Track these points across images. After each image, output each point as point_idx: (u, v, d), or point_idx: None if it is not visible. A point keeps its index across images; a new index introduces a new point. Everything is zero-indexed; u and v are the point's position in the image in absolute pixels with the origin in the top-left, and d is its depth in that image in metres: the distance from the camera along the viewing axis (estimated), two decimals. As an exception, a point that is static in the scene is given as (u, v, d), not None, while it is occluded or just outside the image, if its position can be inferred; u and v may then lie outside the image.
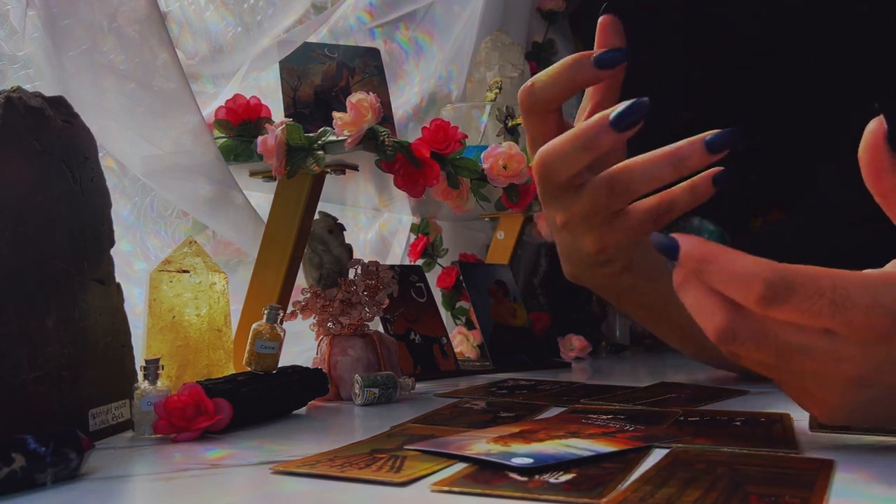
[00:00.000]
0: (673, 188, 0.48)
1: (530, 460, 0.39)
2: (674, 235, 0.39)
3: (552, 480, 0.36)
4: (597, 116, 0.46)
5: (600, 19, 0.52)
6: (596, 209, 0.49)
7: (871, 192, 0.41)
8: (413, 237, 1.14)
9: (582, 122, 0.47)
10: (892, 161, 0.39)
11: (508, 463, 0.39)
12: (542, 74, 0.50)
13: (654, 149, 0.48)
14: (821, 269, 0.37)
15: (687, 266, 0.38)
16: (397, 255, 1.15)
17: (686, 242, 0.38)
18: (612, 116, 0.45)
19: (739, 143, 0.43)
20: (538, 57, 1.38)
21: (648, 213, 0.50)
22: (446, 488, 0.36)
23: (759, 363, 0.39)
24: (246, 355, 0.60)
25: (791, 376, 0.39)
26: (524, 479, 0.36)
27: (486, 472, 0.38)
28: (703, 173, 0.48)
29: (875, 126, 0.40)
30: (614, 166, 0.47)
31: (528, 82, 0.50)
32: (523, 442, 0.43)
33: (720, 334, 0.37)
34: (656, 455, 0.42)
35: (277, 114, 0.77)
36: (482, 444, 0.43)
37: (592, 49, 0.50)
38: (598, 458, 0.40)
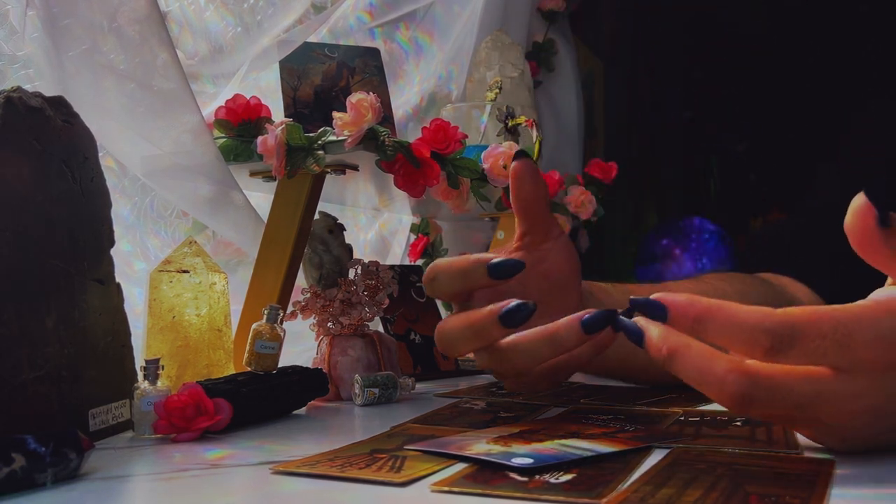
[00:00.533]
0: (533, 340, 0.48)
1: (530, 460, 0.39)
2: (659, 297, 0.39)
3: (552, 480, 0.36)
4: (487, 309, 0.48)
5: (512, 165, 0.54)
6: (493, 370, 0.51)
7: (867, 262, 0.41)
8: (413, 237, 1.14)
9: (475, 312, 0.49)
10: (883, 235, 0.39)
11: (508, 463, 0.39)
12: (444, 269, 0.52)
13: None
14: (820, 309, 0.37)
15: (682, 325, 0.38)
16: (397, 255, 1.15)
17: (676, 302, 0.38)
18: (501, 312, 0.47)
19: (612, 325, 0.45)
20: (538, 57, 1.39)
21: (548, 372, 0.51)
22: (446, 488, 0.36)
23: (773, 416, 0.40)
24: (246, 355, 0.60)
25: (807, 421, 0.39)
26: (524, 479, 0.36)
27: (486, 473, 0.38)
28: (566, 318, 0.47)
29: (862, 206, 0.39)
30: (499, 342, 0.49)
31: (432, 269, 0.53)
32: (523, 442, 0.43)
33: (737, 401, 0.37)
34: (656, 455, 0.42)
35: (277, 114, 0.77)
36: (482, 445, 0.43)
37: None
38: (599, 459, 0.40)
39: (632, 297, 0.41)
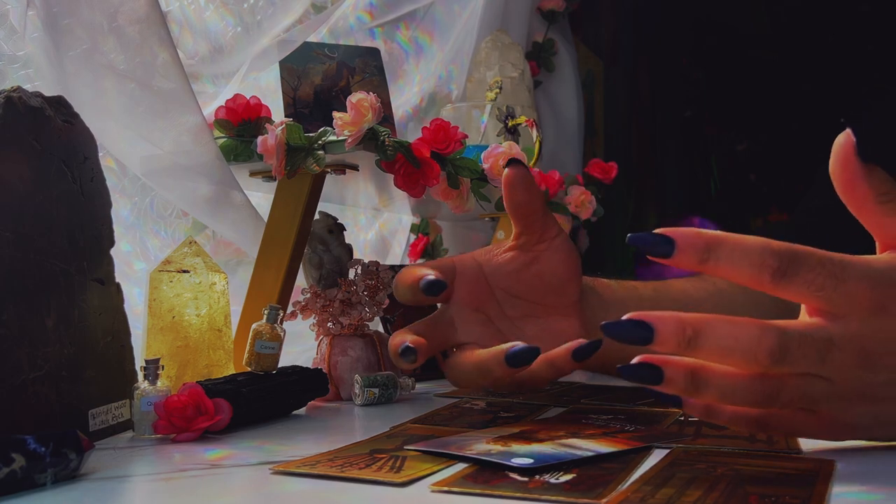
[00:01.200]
0: (535, 363, 0.50)
1: (530, 460, 0.39)
2: (661, 231, 0.38)
3: (552, 481, 0.36)
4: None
5: (504, 172, 0.56)
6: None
7: (846, 205, 0.41)
8: (413, 237, 1.14)
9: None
10: (863, 171, 0.40)
11: (508, 463, 0.38)
12: (400, 282, 0.55)
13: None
14: (812, 248, 0.38)
15: (692, 255, 0.37)
16: (397, 255, 1.15)
17: (682, 234, 0.38)
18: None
19: (587, 356, 0.50)
20: (538, 57, 1.38)
21: (542, 381, 0.54)
22: (446, 488, 0.36)
23: (797, 386, 0.39)
24: (246, 355, 0.60)
25: (824, 387, 0.39)
26: (524, 479, 0.36)
27: (487, 473, 0.38)
28: (564, 347, 0.51)
29: (844, 139, 0.40)
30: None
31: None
32: (523, 442, 0.43)
33: (774, 356, 0.36)
34: (656, 455, 0.42)
35: (277, 114, 0.77)
36: (482, 445, 0.43)
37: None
38: (599, 459, 0.40)
39: (630, 234, 0.39)
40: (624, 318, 0.36)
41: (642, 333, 0.36)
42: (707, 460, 0.40)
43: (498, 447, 0.42)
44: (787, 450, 0.42)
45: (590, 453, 0.41)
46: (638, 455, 0.41)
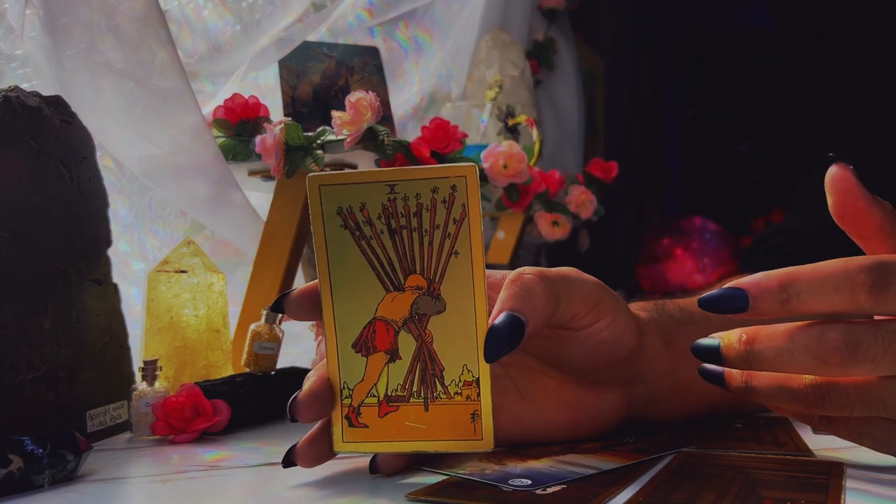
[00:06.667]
0: None
1: (528, 482, 0.38)
2: (731, 284, 0.35)
3: (537, 492, 0.35)
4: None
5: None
6: None
7: (851, 237, 0.39)
8: (413, 237, 1.13)
9: None
10: (867, 198, 0.37)
11: (505, 486, 0.37)
12: None
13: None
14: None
15: (770, 301, 0.35)
16: (397, 254, 1.14)
17: (753, 282, 0.35)
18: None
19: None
20: (539, 55, 1.38)
21: None
22: (423, 498, 0.35)
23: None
24: (244, 356, 0.59)
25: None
26: (508, 489, 0.35)
27: (472, 482, 0.37)
28: None
29: (839, 171, 0.37)
30: None
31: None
32: (518, 459, 0.42)
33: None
34: (661, 461, 0.41)
35: (276, 113, 0.77)
36: (476, 463, 0.41)
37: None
38: (601, 476, 0.39)
39: (700, 297, 0.37)
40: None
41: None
42: (716, 464, 0.39)
43: (492, 465, 0.41)
44: (796, 451, 0.42)
45: (591, 470, 0.40)
46: (639, 468, 0.40)
